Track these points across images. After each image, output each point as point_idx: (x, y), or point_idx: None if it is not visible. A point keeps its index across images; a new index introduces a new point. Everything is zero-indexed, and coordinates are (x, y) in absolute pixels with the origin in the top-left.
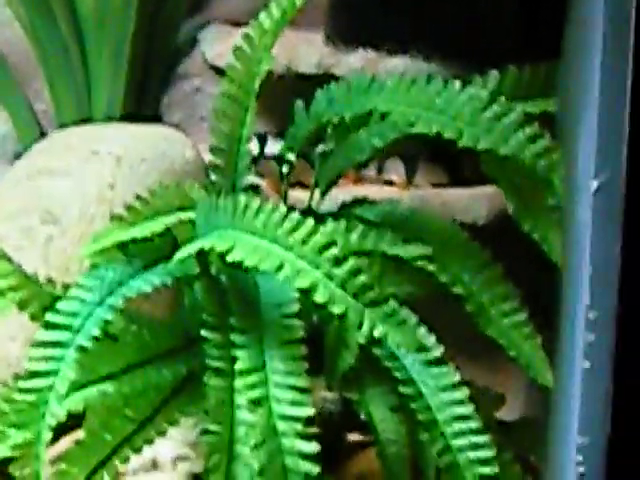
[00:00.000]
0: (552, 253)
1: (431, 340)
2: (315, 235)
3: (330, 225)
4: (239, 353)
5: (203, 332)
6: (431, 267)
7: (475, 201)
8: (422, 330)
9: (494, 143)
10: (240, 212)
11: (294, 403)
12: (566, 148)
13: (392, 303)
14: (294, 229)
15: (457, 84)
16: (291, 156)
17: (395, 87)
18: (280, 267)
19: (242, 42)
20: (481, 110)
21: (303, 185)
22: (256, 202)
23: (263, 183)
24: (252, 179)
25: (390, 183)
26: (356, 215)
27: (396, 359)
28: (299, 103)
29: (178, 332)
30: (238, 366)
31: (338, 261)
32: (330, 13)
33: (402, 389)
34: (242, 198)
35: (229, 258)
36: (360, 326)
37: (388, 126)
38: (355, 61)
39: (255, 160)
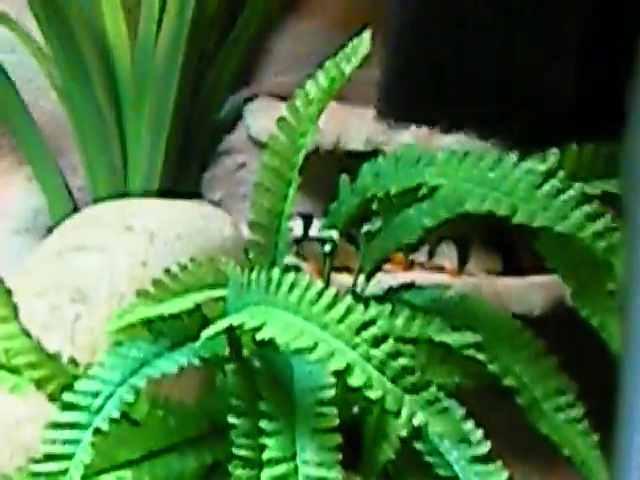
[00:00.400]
0: (611, 342)
1: (478, 435)
2: (353, 313)
3: (373, 308)
4: (268, 441)
5: (230, 418)
6: (480, 356)
7: (530, 291)
8: (468, 424)
9: (550, 220)
10: (273, 287)
11: None
12: (629, 230)
13: (434, 390)
14: (330, 306)
15: (513, 158)
16: (334, 234)
17: (446, 160)
18: (314, 346)
19: (286, 112)
20: (537, 186)
21: (349, 270)
22: (291, 277)
23: (305, 266)
24: (293, 260)
25: (441, 269)
26: (402, 300)
27: (439, 455)
28: (344, 177)
29: (205, 418)
30: (266, 455)
31: (377, 342)
32: (382, 87)
33: None
34: (276, 272)
35: (260, 335)
36: (398, 413)
37: (438, 204)
38: (407, 138)
39: (298, 241)
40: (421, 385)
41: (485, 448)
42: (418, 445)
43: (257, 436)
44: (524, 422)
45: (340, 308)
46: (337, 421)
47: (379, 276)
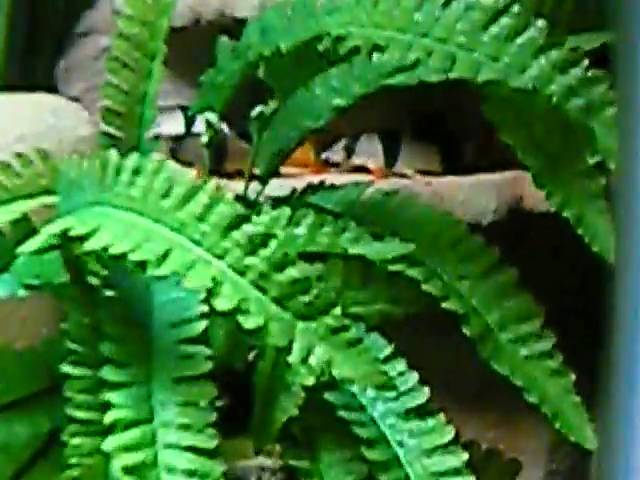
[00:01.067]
0: (593, 241)
1: (411, 380)
2: (220, 206)
3: (263, 214)
4: (113, 396)
5: (65, 367)
6: (412, 272)
7: (479, 192)
8: (398, 364)
9: (502, 72)
10: (110, 178)
11: (194, 474)
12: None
13: (339, 314)
14: (187, 198)
15: None
16: (211, 117)
17: (356, 3)
18: (164, 256)
19: None
20: (483, 26)
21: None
22: (132, 160)
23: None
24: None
25: (364, 170)
26: (308, 203)
27: (360, 409)
28: (223, 39)
29: (40, 369)
30: (110, 416)
31: (254, 246)
32: None
33: (368, 453)
34: (113, 156)
35: (90, 245)
36: (289, 349)
37: (350, 75)
38: None
39: (177, 140)
40: (321, 307)
41: (421, 398)
42: (330, 396)
43: (101, 391)
44: (474, 360)
45: (201, 200)
46: (209, 365)
47: (281, 182)
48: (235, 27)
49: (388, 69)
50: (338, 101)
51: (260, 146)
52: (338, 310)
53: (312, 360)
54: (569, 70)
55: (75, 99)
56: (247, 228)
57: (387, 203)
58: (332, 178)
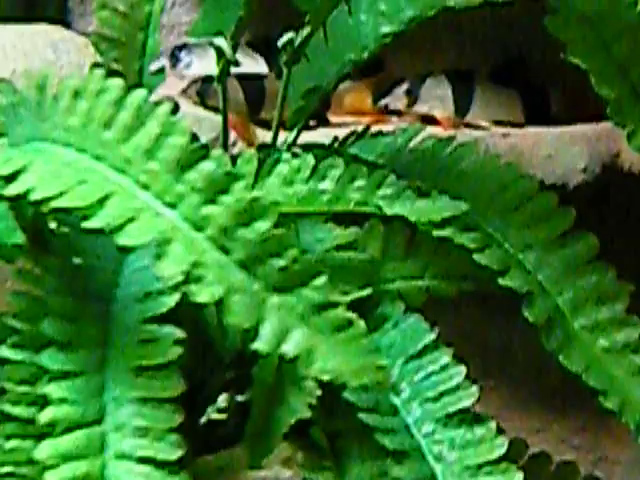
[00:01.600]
0: None
1: (457, 375)
2: (172, 135)
3: (283, 164)
4: (53, 390)
5: (4, 350)
6: (463, 239)
7: (566, 148)
8: (442, 355)
9: None
10: (48, 104)
11: None
12: None
13: (322, 284)
14: (134, 128)
15: None
16: (222, 43)
17: None
18: (100, 203)
19: None
20: None
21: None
22: (73, 81)
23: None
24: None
25: (431, 121)
26: (346, 153)
27: (391, 412)
28: None
29: None
30: (47, 416)
31: (213, 192)
32: None
33: (396, 469)
34: (50, 76)
35: (10, 190)
36: (257, 331)
37: None
38: None
39: (208, 82)
40: (301, 276)
41: (467, 399)
42: (351, 395)
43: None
44: (534, 348)
45: (151, 129)
46: (177, 351)
47: (328, 131)
48: None
49: None
50: (387, 28)
51: (290, 83)
52: (322, 279)
53: (287, 348)
54: None
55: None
56: (206, 166)
57: (439, 152)
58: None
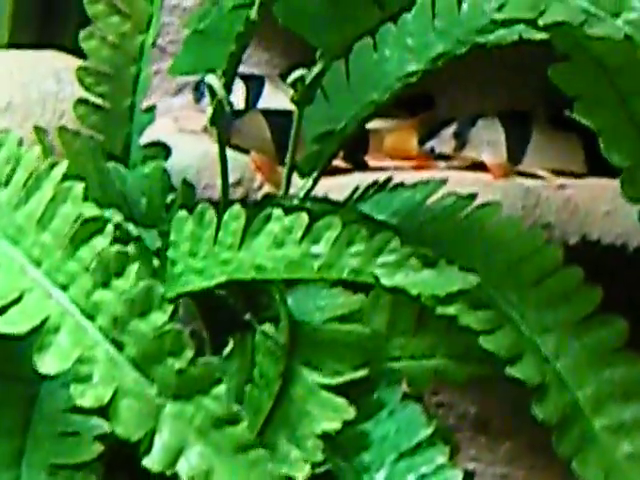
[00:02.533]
0: None
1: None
2: (66, 202)
3: (274, 223)
4: None
5: None
6: (469, 319)
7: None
8: (437, 454)
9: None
10: None
11: None
12: None
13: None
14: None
15: None
16: (213, 81)
17: None
18: None
19: None
20: None
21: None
22: None
23: (247, 160)
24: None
25: (480, 167)
26: (354, 209)
27: None
28: None
29: None
30: None
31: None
32: None
33: None
34: None
35: None
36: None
37: (431, 29)
38: None
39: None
40: (204, 382)
41: None
42: None
43: None
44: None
45: (45, 194)
46: (97, 449)
47: (362, 177)
48: None
49: (482, 21)
50: (413, 66)
51: (301, 126)
52: (222, 389)
53: (181, 467)
54: None
55: None
56: (99, 243)
57: (457, 213)
58: (436, 176)
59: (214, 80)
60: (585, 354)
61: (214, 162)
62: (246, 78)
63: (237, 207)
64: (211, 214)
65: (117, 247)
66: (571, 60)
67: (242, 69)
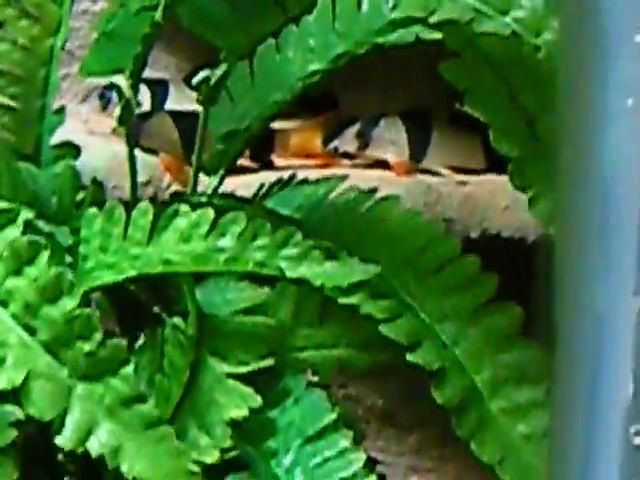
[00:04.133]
0: None
1: (356, 462)
2: None
3: (180, 218)
4: None
5: None
6: (370, 307)
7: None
8: (340, 438)
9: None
10: None
11: None
12: None
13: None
14: None
15: None
16: (121, 81)
17: None
18: None
19: None
20: None
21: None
22: None
23: (156, 161)
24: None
25: (383, 165)
26: (262, 207)
27: None
28: None
29: None
30: None
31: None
32: None
33: None
34: None
35: None
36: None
37: (332, 31)
38: None
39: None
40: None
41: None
42: None
43: None
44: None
45: None
46: (11, 435)
47: (269, 175)
48: None
49: (380, 22)
50: (315, 66)
51: (206, 126)
52: (130, 369)
53: (92, 445)
54: None
55: None
56: (11, 233)
57: (358, 207)
58: (339, 173)
59: (121, 81)
60: (482, 340)
61: (123, 163)
62: (151, 82)
63: (145, 204)
64: (120, 211)
65: (28, 237)
66: (461, 56)
67: (149, 73)
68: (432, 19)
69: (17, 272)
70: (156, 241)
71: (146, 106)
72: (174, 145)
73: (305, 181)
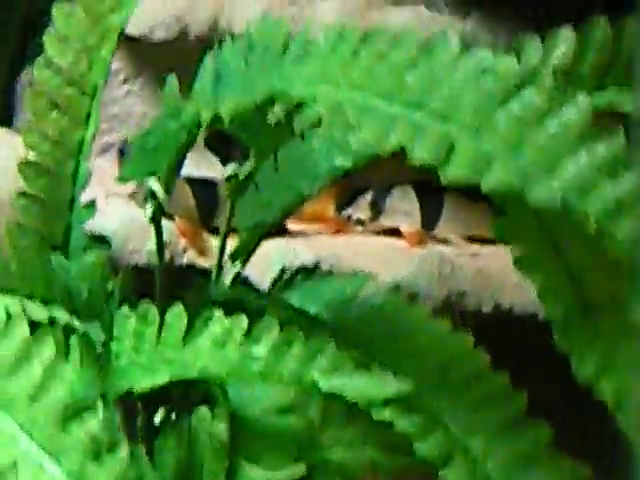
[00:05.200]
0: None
1: None
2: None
3: (214, 324)
4: None
5: None
6: (404, 423)
7: None
8: None
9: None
10: None
11: None
12: None
13: None
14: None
15: (454, 43)
16: (154, 185)
17: (329, 51)
18: None
19: None
20: (503, 97)
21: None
22: None
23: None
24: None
25: (395, 233)
26: (284, 304)
27: None
28: (171, 78)
29: None
30: None
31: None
32: None
33: None
34: None
35: None
36: None
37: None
38: (327, 11)
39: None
40: None
41: None
42: None
43: None
44: None
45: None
46: None
47: (285, 242)
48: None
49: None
50: (340, 161)
51: (233, 218)
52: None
53: None
54: (622, 173)
55: None
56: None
57: (387, 309)
58: (354, 241)
59: (156, 185)
60: (516, 454)
61: (141, 228)
62: None
63: (179, 307)
64: (154, 313)
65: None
66: (509, 215)
67: None
68: (484, 185)
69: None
70: (190, 346)
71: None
72: (190, 210)
73: (331, 273)
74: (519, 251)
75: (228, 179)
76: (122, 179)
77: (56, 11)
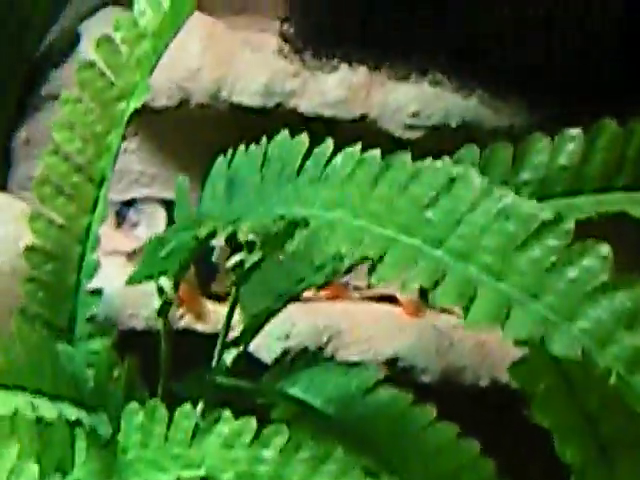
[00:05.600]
0: None
1: None
2: None
3: (222, 425)
4: None
5: None
6: None
7: None
8: None
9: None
10: None
11: None
12: None
13: None
14: None
15: (477, 179)
16: (165, 283)
17: (347, 176)
18: None
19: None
20: (523, 241)
21: None
22: None
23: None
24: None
25: (391, 300)
26: (287, 395)
27: None
28: (182, 180)
29: None
30: None
31: None
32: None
33: None
34: None
35: None
36: None
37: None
38: (332, 87)
39: None
40: None
41: None
42: None
43: None
44: None
45: None
46: None
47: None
48: (231, 114)
49: None
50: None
51: (237, 304)
52: None
53: None
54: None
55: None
56: None
57: (393, 408)
58: (352, 309)
59: (166, 283)
60: None
61: (138, 291)
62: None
63: (188, 407)
64: (162, 412)
65: None
66: (529, 360)
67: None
68: (505, 334)
69: None
70: (198, 445)
71: (161, 227)
72: (189, 276)
73: (332, 358)
74: (538, 397)
75: (233, 268)
76: (132, 281)
77: (63, 98)
